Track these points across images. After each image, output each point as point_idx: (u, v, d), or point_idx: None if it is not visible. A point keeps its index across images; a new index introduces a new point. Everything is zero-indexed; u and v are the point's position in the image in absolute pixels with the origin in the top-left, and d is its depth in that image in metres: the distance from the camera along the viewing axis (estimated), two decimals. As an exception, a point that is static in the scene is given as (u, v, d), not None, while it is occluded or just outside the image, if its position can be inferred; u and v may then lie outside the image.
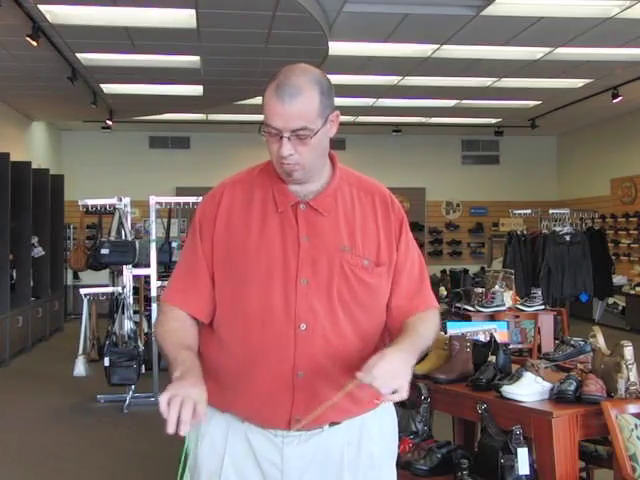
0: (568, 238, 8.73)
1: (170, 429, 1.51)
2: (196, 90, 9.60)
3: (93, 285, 7.67)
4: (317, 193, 1.79)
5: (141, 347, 6.41)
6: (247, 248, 1.76)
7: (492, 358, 3.12)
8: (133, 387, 6.36)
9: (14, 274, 8.95)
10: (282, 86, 1.67)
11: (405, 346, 1.70)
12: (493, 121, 12.76)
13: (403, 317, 1.82)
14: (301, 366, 1.73)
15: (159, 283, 6.45)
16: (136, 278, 6.69)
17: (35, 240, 9.58)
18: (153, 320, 6.50)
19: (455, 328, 3.65)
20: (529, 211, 9.51)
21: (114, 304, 6.53)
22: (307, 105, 1.67)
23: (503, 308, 5.88)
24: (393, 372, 1.60)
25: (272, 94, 1.68)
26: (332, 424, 1.80)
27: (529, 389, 2.81)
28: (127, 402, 6.27)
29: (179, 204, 6.88)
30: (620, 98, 9.73)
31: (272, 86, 1.69)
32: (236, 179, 1.87)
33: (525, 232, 9.24)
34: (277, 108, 1.67)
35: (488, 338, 3.44)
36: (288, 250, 1.74)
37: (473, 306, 5.81)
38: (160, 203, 6.69)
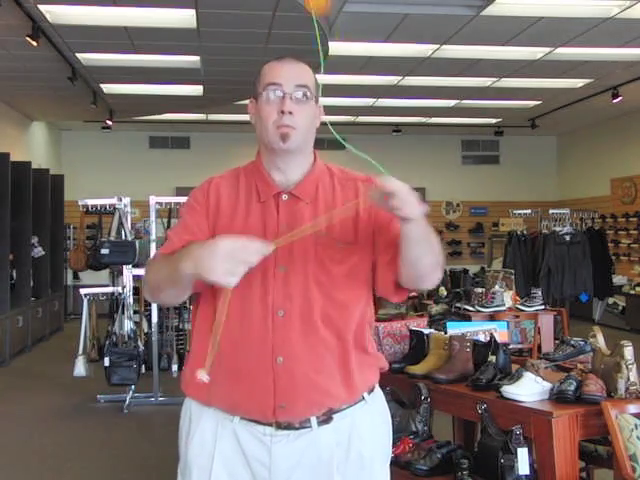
0: (568, 238, 8.73)
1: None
2: (196, 90, 9.60)
3: (93, 285, 7.66)
4: (298, 182, 1.84)
5: (141, 347, 6.41)
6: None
7: (492, 358, 3.12)
8: (133, 387, 6.36)
9: (14, 274, 8.95)
10: (283, 57, 1.81)
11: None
12: (493, 121, 12.75)
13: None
14: (280, 352, 1.75)
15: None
16: (136, 278, 6.67)
17: (35, 240, 9.58)
18: (153, 320, 6.51)
19: (455, 328, 3.64)
20: (529, 211, 9.51)
21: (114, 304, 6.54)
22: (307, 72, 1.83)
23: (503, 308, 5.88)
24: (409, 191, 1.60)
25: (273, 64, 1.82)
26: (321, 423, 1.79)
27: (529, 389, 2.80)
28: (127, 402, 6.27)
29: (179, 204, 6.87)
30: (620, 98, 9.73)
31: (271, 62, 1.82)
32: (224, 174, 1.94)
33: (525, 232, 9.24)
34: (283, 67, 1.80)
35: (488, 338, 3.43)
36: (268, 238, 1.76)
37: (473, 306, 5.81)
38: (160, 203, 6.69)
